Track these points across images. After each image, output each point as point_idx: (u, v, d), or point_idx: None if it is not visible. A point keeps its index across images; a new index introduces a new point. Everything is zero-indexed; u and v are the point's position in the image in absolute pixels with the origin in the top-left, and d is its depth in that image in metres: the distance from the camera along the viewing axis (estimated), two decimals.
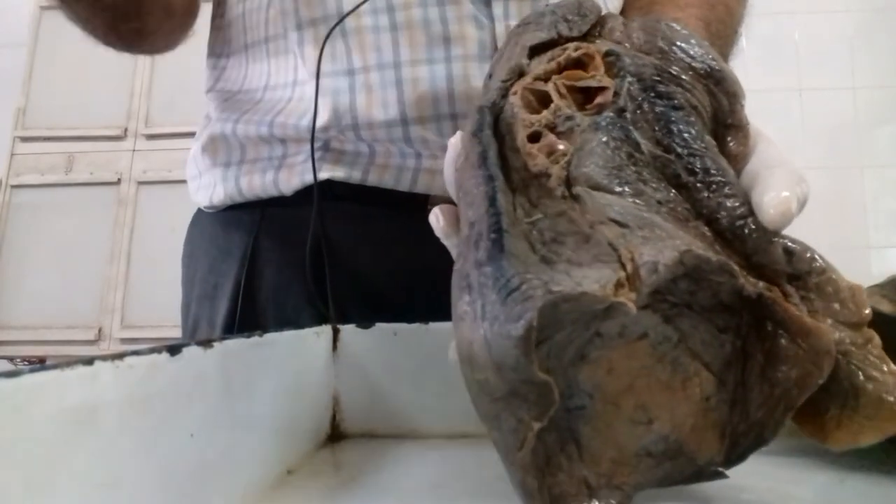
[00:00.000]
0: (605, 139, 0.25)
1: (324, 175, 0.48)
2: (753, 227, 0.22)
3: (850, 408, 0.19)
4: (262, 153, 0.51)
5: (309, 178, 0.48)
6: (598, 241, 0.22)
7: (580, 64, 0.29)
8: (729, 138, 0.26)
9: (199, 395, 0.23)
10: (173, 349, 0.21)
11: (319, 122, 0.47)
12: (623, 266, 0.21)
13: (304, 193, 0.49)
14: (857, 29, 1.96)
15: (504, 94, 0.29)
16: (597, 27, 0.31)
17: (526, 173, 0.26)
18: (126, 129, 2.03)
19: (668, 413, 0.22)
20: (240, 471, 0.26)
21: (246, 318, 0.51)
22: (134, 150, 2.04)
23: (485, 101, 0.30)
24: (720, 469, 0.23)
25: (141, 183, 2.02)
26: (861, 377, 0.19)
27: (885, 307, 0.30)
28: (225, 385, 0.25)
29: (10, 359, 1.90)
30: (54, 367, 0.16)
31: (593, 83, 0.27)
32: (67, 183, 2.03)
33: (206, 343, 0.24)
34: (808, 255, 0.22)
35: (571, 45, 0.29)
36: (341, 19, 0.43)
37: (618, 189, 0.24)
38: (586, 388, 0.22)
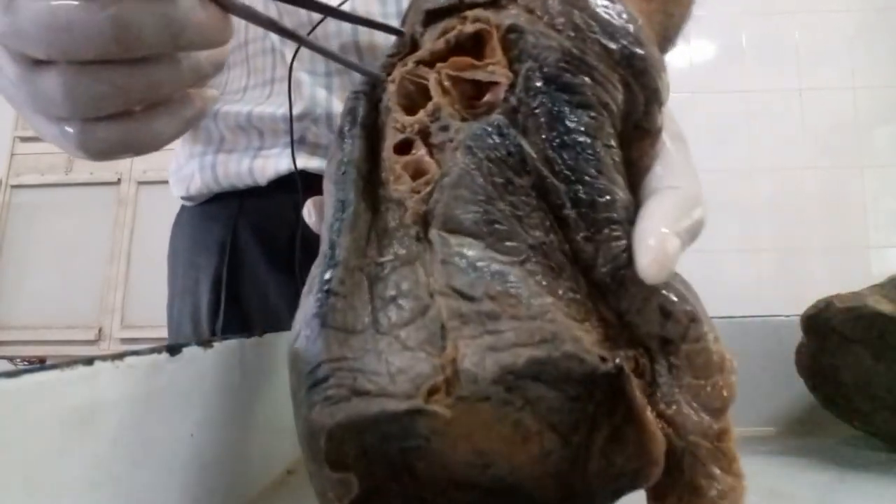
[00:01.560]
0: (478, 162, 0.21)
1: (298, 165, 0.49)
2: (630, 280, 0.19)
3: (685, 502, 0.18)
4: (240, 143, 0.53)
5: (283, 168, 0.49)
6: (432, 318, 0.20)
7: (478, 41, 0.24)
8: (635, 144, 0.22)
9: (199, 395, 0.23)
10: (173, 349, 0.21)
11: (295, 112, 0.48)
12: (444, 367, 0.18)
13: (279, 184, 0.50)
14: (857, 29, 1.95)
15: (389, 73, 0.25)
16: None
17: (387, 191, 0.23)
18: None
19: (505, 461, 0.21)
20: (240, 471, 0.26)
21: (230, 311, 0.52)
22: None
23: (361, 84, 0.26)
24: None
25: (141, 183, 2.02)
26: (702, 474, 0.18)
27: (885, 307, 0.30)
28: (225, 385, 0.25)
29: (10, 359, 1.90)
30: (54, 367, 0.16)
31: (482, 76, 0.23)
32: (67, 183, 2.04)
33: (206, 343, 0.24)
34: (687, 317, 0.19)
35: (471, 14, 0.24)
36: (315, 25, 0.44)
37: (482, 232, 0.20)
38: (423, 433, 0.20)
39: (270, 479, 0.29)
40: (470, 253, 0.20)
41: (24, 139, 2.06)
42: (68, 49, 0.24)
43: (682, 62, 1.96)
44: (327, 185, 0.25)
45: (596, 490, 0.20)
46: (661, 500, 0.19)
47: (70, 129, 0.28)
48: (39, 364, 0.17)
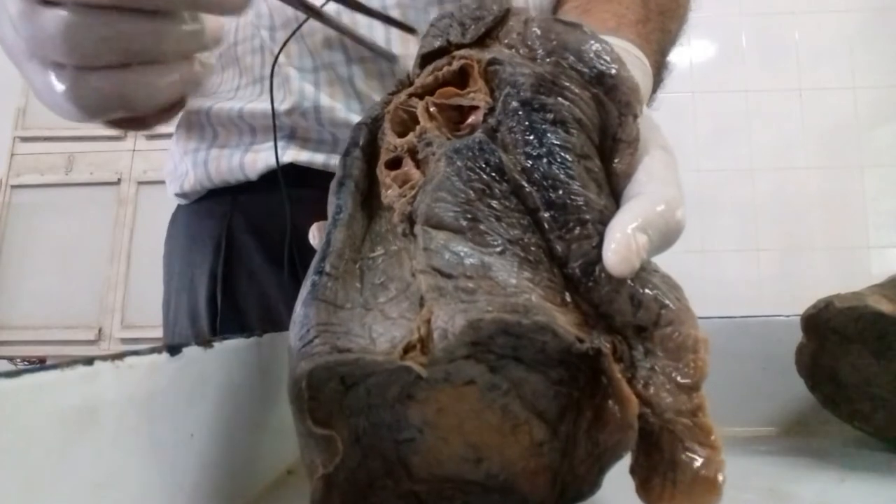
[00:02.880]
0: (457, 169, 0.23)
1: (287, 159, 0.50)
2: (601, 274, 0.20)
3: (670, 479, 0.18)
4: (232, 139, 0.53)
5: (273, 162, 0.50)
6: (413, 292, 0.22)
7: (463, 75, 0.27)
8: (616, 154, 0.24)
9: (199, 395, 0.23)
10: (173, 349, 0.21)
11: (284, 107, 0.49)
12: (419, 328, 0.20)
13: (270, 178, 0.50)
14: (857, 29, 1.95)
15: (387, 106, 0.29)
16: (499, 26, 0.29)
17: (382, 202, 0.26)
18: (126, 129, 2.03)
19: (497, 454, 0.22)
20: (240, 471, 0.26)
21: (227, 306, 0.52)
22: (134, 150, 2.04)
23: (365, 117, 0.30)
24: None
25: (141, 183, 2.02)
26: (681, 450, 0.18)
27: (885, 307, 0.30)
28: (225, 385, 0.25)
29: (10, 359, 1.90)
30: (54, 367, 0.16)
31: (464, 102, 0.26)
32: (67, 183, 2.04)
33: (206, 343, 0.24)
34: (657, 304, 0.20)
35: (458, 53, 0.28)
36: (301, 23, 0.45)
37: (462, 227, 0.22)
38: (416, 424, 0.21)
39: (270, 479, 0.29)
40: (451, 243, 0.22)
41: (24, 139, 2.06)
42: None
43: (682, 62, 1.96)
44: (329, 199, 0.27)
45: (584, 476, 0.21)
46: (647, 483, 0.19)
47: (64, 76, 0.28)
48: (39, 364, 0.17)
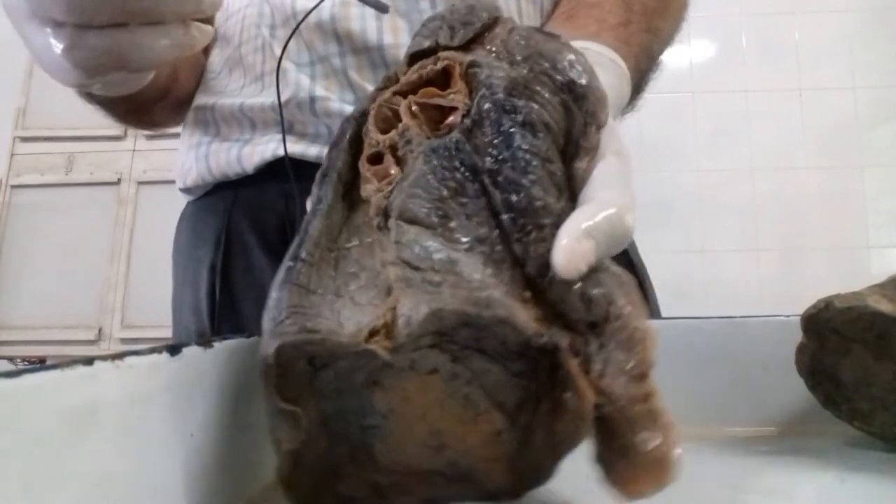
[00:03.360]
0: (433, 168, 0.25)
1: (282, 151, 0.50)
2: (554, 275, 0.22)
3: (630, 463, 0.19)
4: (233, 133, 0.54)
5: (268, 155, 0.51)
6: (382, 281, 0.23)
7: (446, 75, 0.28)
8: (576, 159, 0.25)
9: (199, 395, 0.23)
10: (173, 349, 0.21)
11: (282, 98, 0.50)
12: (385, 314, 0.21)
13: (269, 172, 0.51)
14: (857, 29, 1.96)
15: (373, 102, 0.30)
16: (487, 32, 0.30)
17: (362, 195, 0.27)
18: (126, 129, 2.03)
19: (459, 442, 0.23)
20: (240, 470, 0.26)
21: (225, 299, 0.53)
22: (134, 150, 2.04)
23: (354, 111, 0.31)
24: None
25: (141, 183, 2.02)
26: (636, 434, 0.19)
27: (885, 307, 0.30)
28: (225, 385, 0.25)
29: (10, 359, 1.90)
30: (54, 367, 0.16)
31: (444, 102, 0.27)
32: (67, 183, 2.04)
33: (207, 343, 0.24)
34: (605, 300, 0.21)
35: (443, 55, 0.29)
36: (303, 18, 0.46)
37: (433, 223, 0.23)
38: (381, 410, 0.22)
39: (270, 478, 0.29)
40: (421, 238, 0.23)
41: (25, 139, 2.06)
42: None
43: (682, 62, 1.96)
44: (312, 189, 0.28)
45: (540, 464, 0.23)
46: (610, 469, 0.20)
47: (62, 35, 0.29)
48: (39, 364, 0.17)
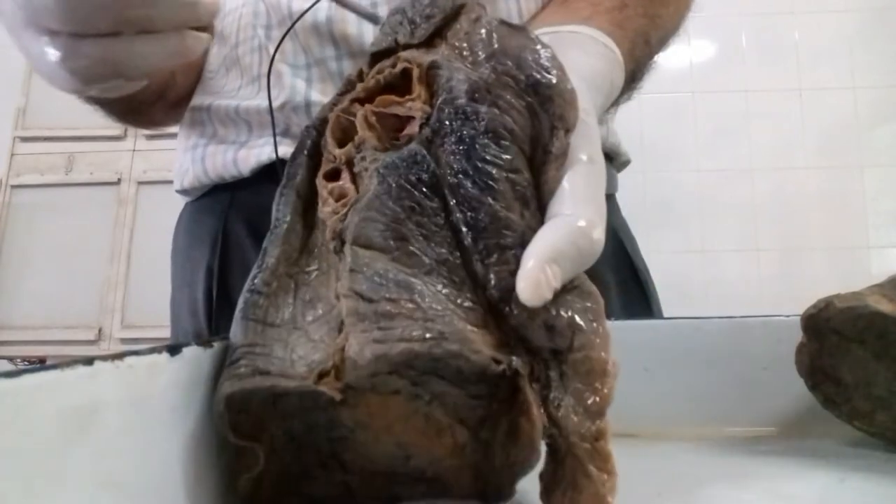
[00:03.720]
0: (387, 188, 0.23)
1: (281, 154, 0.49)
2: (516, 300, 0.21)
3: (570, 499, 0.19)
4: (230, 135, 0.54)
5: (265, 158, 0.51)
6: (335, 315, 0.22)
7: (407, 77, 0.27)
8: (543, 167, 0.23)
9: (199, 395, 0.23)
10: (173, 349, 0.21)
11: (276, 102, 0.49)
12: (334, 354, 0.21)
13: (266, 175, 0.51)
14: (857, 29, 1.96)
15: (332, 110, 0.28)
16: (450, 25, 0.28)
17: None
18: (126, 129, 2.03)
19: (425, 453, 0.23)
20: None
21: (222, 301, 0.53)
22: (134, 150, 2.04)
23: (314, 119, 0.29)
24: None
25: (141, 183, 2.02)
26: (581, 474, 0.19)
27: (885, 307, 0.30)
28: None
29: (10, 359, 1.90)
30: (54, 367, 0.16)
31: (401, 111, 0.26)
32: (67, 183, 2.04)
33: (206, 343, 0.24)
34: (570, 329, 0.20)
35: (403, 55, 0.27)
36: (295, 21, 0.46)
37: (389, 247, 0.22)
38: (348, 424, 0.22)
39: None
40: (376, 264, 0.22)
41: (24, 139, 2.06)
42: None
43: (682, 62, 1.96)
44: (273, 207, 0.27)
45: (503, 480, 0.23)
46: (550, 493, 0.20)
47: (58, 43, 0.29)
48: (39, 364, 0.17)
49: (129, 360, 0.19)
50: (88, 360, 0.17)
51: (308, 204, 0.27)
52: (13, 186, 2.04)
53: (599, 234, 0.22)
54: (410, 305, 0.21)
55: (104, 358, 0.18)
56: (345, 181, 0.26)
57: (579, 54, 0.35)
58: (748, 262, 1.90)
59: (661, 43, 0.47)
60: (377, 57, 0.29)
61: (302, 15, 0.45)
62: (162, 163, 1.97)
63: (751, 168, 1.92)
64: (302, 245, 0.26)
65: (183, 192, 0.58)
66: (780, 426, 0.38)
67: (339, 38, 0.50)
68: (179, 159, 0.59)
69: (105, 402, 0.17)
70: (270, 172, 0.50)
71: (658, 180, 1.90)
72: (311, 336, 0.23)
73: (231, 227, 0.54)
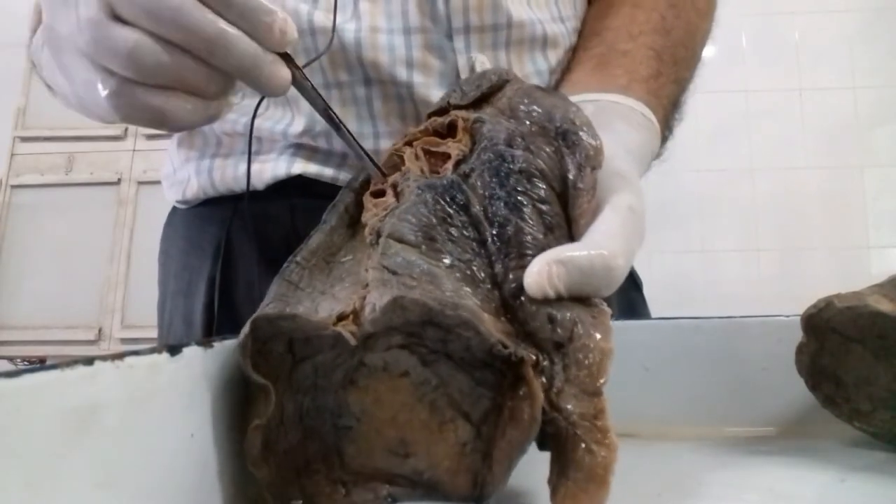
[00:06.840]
0: (424, 199, 0.27)
1: (296, 170, 0.49)
2: (526, 296, 0.23)
3: (572, 478, 0.20)
4: (237, 147, 0.52)
5: (281, 172, 0.49)
6: (361, 281, 0.25)
7: (452, 128, 0.33)
8: (578, 203, 0.27)
9: (199, 395, 0.23)
10: (173, 349, 0.21)
11: (296, 130, 0.48)
12: (355, 302, 0.23)
13: (276, 188, 0.50)
14: (857, 29, 1.96)
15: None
16: (497, 92, 0.34)
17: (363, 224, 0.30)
18: (126, 129, 2.03)
19: (424, 450, 0.24)
20: (240, 471, 0.26)
21: (223, 314, 0.51)
22: (134, 150, 2.04)
23: (351, 181, 0.35)
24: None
25: (141, 183, 2.02)
26: (581, 450, 0.20)
27: (885, 307, 0.30)
28: (225, 385, 0.25)
29: (10, 359, 1.90)
30: (54, 367, 0.16)
31: (441, 149, 0.31)
32: (67, 183, 2.04)
33: (206, 343, 0.24)
34: (571, 322, 0.22)
35: (453, 112, 0.34)
36: (320, 55, 0.45)
37: (418, 242, 0.25)
38: (355, 411, 0.24)
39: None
40: (405, 253, 0.25)
41: (24, 139, 2.06)
42: (158, 22, 0.27)
43: None
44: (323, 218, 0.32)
45: (497, 475, 0.23)
46: (556, 489, 0.21)
47: (111, 83, 0.30)
48: (39, 364, 0.17)
49: (129, 360, 0.19)
50: (88, 360, 0.17)
51: (353, 220, 0.32)
52: (13, 186, 2.04)
53: (619, 265, 0.24)
54: (430, 287, 0.23)
55: (104, 358, 0.18)
56: (388, 196, 0.30)
57: (624, 126, 0.38)
58: (748, 262, 1.90)
59: (684, 104, 0.51)
60: (431, 115, 0.34)
61: (327, 49, 0.44)
62: (162, 163, 1.97)
63: (751, 168, 1.92)
64: (342, 243, 0.31)
65: (183, 202, 0.57)
66: (779, 426, 0.38)
67: (370, 66, 0.47)
68: (176, 167, 0.57)
69: (105, 402, 0.17)
70: (281, 185, 0.49)
71: (658, 180, 1.89)
72: (337, 296, 0.26)
73: (234, 237, 0.52)
